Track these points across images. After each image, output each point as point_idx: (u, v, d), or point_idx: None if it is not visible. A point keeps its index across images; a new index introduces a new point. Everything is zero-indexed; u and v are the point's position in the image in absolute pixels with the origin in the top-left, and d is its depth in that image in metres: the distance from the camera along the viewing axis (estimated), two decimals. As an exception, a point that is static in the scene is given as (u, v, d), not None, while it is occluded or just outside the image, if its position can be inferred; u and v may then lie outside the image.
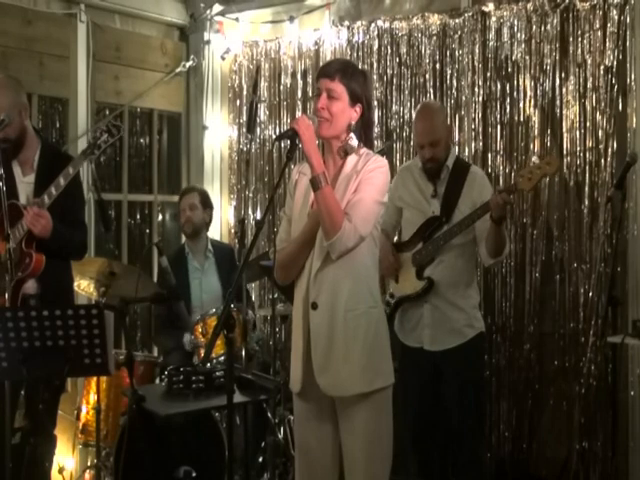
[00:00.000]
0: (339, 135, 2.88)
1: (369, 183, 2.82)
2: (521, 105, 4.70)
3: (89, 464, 4.50)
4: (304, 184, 2.93)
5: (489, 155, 4.81)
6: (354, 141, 2.87)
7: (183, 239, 5.44)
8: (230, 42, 5.77)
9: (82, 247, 3.85)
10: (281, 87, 5.65)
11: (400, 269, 3.94)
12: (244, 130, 5.77)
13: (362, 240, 2.79)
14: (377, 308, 2.90)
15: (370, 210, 2.81)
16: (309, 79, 5.49)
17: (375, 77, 5.19)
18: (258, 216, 5.70)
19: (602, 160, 4.45)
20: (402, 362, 3.84)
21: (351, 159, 2.88)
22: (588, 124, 4.50)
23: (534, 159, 4.55)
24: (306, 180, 2.91)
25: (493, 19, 4.77)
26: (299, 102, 5.54)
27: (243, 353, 4.06)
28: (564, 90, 4.57)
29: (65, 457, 4.50)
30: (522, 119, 4.70)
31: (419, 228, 3.87)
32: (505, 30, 4.73)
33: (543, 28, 4.62)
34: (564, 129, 4.58)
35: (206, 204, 4.93)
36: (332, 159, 2.91)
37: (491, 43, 4.78)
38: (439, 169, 3.85)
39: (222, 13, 5.76)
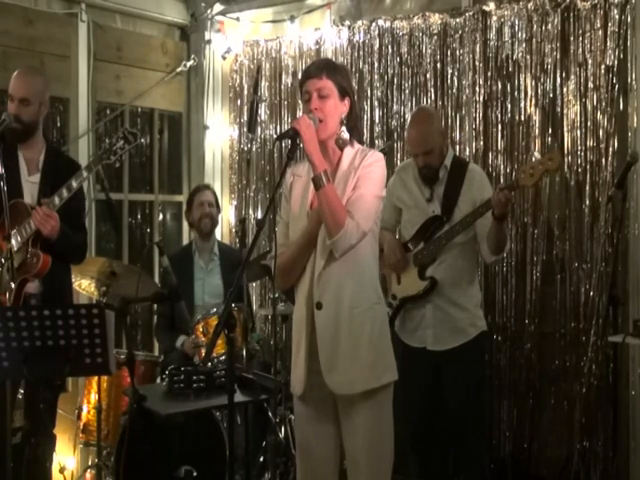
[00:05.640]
0: (334, 133, 2.89)
1: (368, 178, 2.83)
2: (522, 104, 4.70)
3: (90, 463, 4.50)
4: (300, 186, 2.94)
5: (490, 155, 4.81)
6: (345, 134, 2.89)
7: (185, 239, 5.45)
8: (231, 42, 5.78)
9: (83, 251, 3.85)
10: (282, 87, 5.66)
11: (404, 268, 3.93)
12: (245, 130, 5.78)
13: (364, 236, 2.81)
14: (380, 304, 2.92)
15: (371, 205, 2.82)
16: (310, 79, 5.48)
17: (376, 77, 5.20)
18: (259, 216, 5.71)
19: (603, 159, 4.45)
20: (404, 362, 3.83)
21: (347, 156, 2.89)
22: (589, 123, 4.50)
23: (536, 154, 4.55)
24: (302, 182, 2.93)
25: (494, 18, 4.77)
26: (300, 102, 5.53)
27: (244, 353, 4.06)
28: (565, 89, 4.57)
29: (66, 457, 4.50)
30: (523, 118, 4.70)
31: (420, 228, 3.87)
32: (506, 29, 4.73)
33: (544, 27, 4.62)
34: (565, 128, 4.57)
35: (217, 204, 5.01)
36: (327, 159, 2.89)
37: (492, 42, 4.78)
38: (436, 172, 3.85)
39: (223, 13, 5.77)
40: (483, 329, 3.88)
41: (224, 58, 5.81)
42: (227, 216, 5.88)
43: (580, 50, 4.52)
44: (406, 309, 3.91)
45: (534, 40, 4.65)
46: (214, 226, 4.95)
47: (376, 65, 5.20)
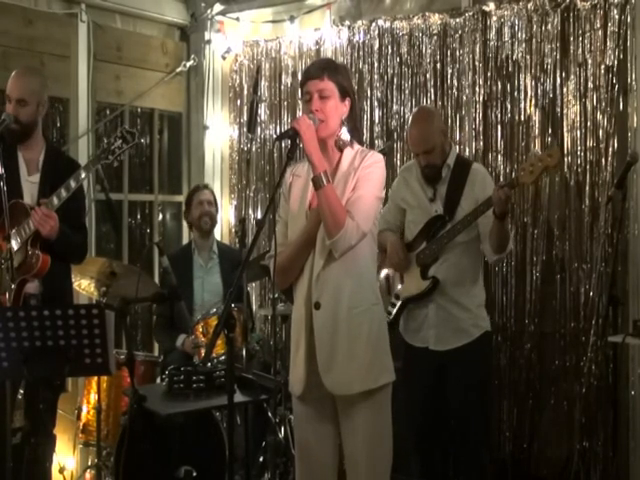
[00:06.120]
0: (334, 133, 2.89)
1: (367, 179, 2.84)
2: (522, 105, 4.70)
3: (90, 464, 4.50)
4: (299, 186, 2.95)
5: (490, 155, 4.81)
6: (346, 135, 2.89)
7: (185, 239, 5.44)
8: (231, 42, 5.78)
9: (83, 251, 3.85)
10: (282, 87, 5.66)
11: (407, 268, 3.93)
12: (245, 130, 5.78)
13: (364, 237, 2.81)
14: (378, 305, 2.92)
15: (370, 207, 2.83)
16: (310, 79, 5.48)
17: (376, 77, 5.20)
18: (259, 216, 5.72)
19: (603, 160, 4.45)
20: (407, 362, 3.83)
21: (347, 156, 2.90)
22: (589, 124, 4.50)
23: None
24: (300, 182, 2.94)
25: (494, 19, 4.77)
26: (300, 102, 5.54)
27: (244, 353, 4.06)
28: (565, 90, 4.57)
29: (66, 457, 4.50)
30: (523, 119, 4.70)
31: (423, 228, 3.86)
32: (506, 30, 4.73)
33: (544, 28, 4.62)
34: (565, 129, 4.58)
35: (216, 203, 5.03)
36: (327, 158, 2.89)
37: (492, 43, 4.78)
38: (438, 171, 3.85)
39: (223, 13, 5.77)
40: (486, 329, 3.84)
41: (224, 58, 5.81)
42: (227, 216, 5.88)
43: (580, 50, 4.52)
44: (409, 309, 3.90)
45: (534, 40, 4.65)
46: (213, 225, 4.96)
47: (376, 65, 5.20)
